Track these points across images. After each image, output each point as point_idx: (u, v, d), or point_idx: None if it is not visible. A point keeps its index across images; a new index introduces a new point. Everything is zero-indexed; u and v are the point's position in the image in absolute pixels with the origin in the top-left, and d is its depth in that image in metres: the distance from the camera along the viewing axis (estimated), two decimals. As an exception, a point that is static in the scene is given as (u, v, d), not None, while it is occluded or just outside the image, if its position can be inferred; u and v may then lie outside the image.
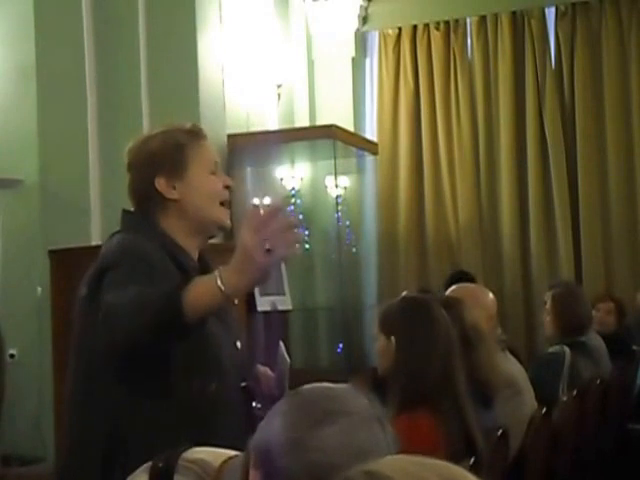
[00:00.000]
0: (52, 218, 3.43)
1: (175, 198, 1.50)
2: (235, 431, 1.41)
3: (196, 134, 1.54)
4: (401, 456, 0.62)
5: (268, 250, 1.23)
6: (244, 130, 3.79)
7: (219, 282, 1.26)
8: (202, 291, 1.28)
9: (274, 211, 1.26)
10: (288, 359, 1.65)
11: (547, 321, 2.94)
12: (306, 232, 4.17)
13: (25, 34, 3.51)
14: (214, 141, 1.62)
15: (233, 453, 1.00)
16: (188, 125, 1.55)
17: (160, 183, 1.49)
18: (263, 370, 1.62)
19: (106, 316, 1.32)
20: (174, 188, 1.50)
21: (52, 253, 3.30)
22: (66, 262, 3.15)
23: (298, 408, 0.83)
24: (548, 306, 2.95)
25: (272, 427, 0.83)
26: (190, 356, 1.39)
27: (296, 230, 1.27)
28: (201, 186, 1.51)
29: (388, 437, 0.82)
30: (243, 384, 1.57)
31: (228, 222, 1.54)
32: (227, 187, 1.54)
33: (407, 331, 1.68)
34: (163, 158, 1.49)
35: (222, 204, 1.54)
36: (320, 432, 0.80)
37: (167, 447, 1.17)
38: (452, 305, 1.90)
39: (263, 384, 1.59)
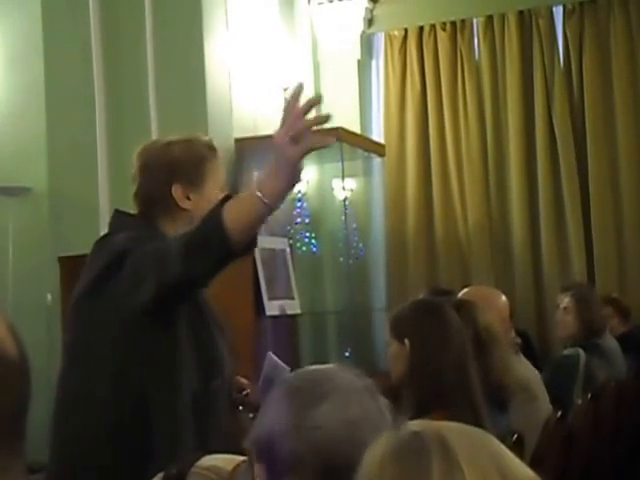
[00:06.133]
0: (61, 225, 3.43)
1: (187, 208, 1.49)
2: (219, 432, 1.44)
3: (214, 150, 1.54)
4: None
5: (292, 140, 1.19)
6: (251, 134, 3.78)
7: (257, 193, 1.23)
8: (242, 204, 1.26)
9: (293, 100, 1.21)
10: (286, 367, 1.65)
11: (567, 321, 2.92)
12: (313, 236, 4.16)
13: (34, 42, 3.53)
14: (221, 145, 1.63)
15: (244, 458, 1.01)
16: (206, 138, 1.55)
17: (177, 191, 1.49)
18: (244, 381, 1.64)
19: (155, 260, 1.30)
20: (188, 198, 1.49)
21: (62, 260, 3.29)
22: (76, 269, 3.11)
23: (290, 395, 0.86)
24: (569, 306, 2.92)
25: (269, 417, 0.86)
26: (197, 353, 1.41)
27: (318, 115, 1.21)
28: (213, 202, 1.47)
29: (380, 405, 0.86)
30: (243, 393, 1.59)
31: None
32: None
33: (420, 333, 1.67)
34: (185, 167, 1.49)
35: None
36: (316, 412, 0.83)
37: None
38: (465, 307, 1.88)
39: (250, 394, 1.61)
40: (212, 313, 1.53)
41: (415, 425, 0.67)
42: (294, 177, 1.24)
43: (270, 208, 1.25)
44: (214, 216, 1.26)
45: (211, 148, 1.53)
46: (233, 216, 1.25)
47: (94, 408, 1.42)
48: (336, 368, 0.90)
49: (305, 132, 1.20)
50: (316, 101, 1.22)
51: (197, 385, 1.41)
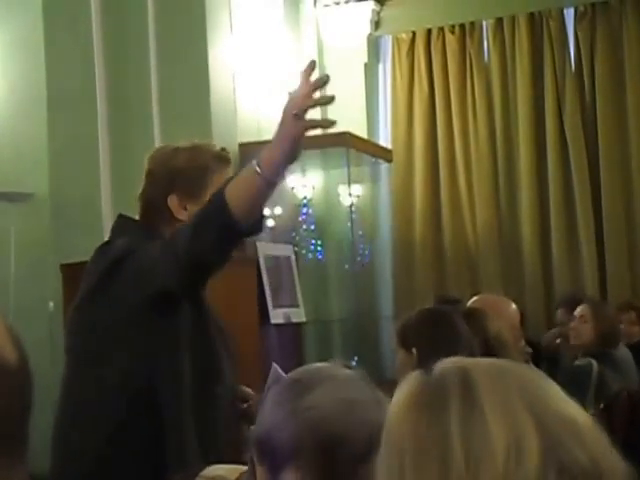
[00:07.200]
0: (63, 232, 3.39)
1: (183, 219, 1.46)
2: (221, 443, 1.44)
3: (223, 160, 1.51)
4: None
5: (296, 115, 1.23)
6: (255, 139, 3.74)
7: (256, 166, 1.26)
8: (242, 180, 1.28)
9: (305, 78, 1.24)
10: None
11: (583, 330, 2.88)
12: (319, 242, 4.11)
13: (35, 47, 3.50)
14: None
15: (247, 468, 0.99)
16: (215, 148, 1.52)
17: (173, 200, 1.47)
18: (247, 391, 1.61)
19: (168, 244, 1.34)
20: (185, 209, 1.47)
21: (64, 267, 3.24)
22: (78, 276, 3.06)
23: (284, 388, 0.88)
24: (585, 314, 2.90)
25: (266, 414, 0.86)
26: (201, 362, 1.42)
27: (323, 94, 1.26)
28: None
29: (377, 395, 0.85)
30: (245, 405, 1.56)
31: None
32: None
33: (428, 341, 1.64)
34: (185, 177, 1.47)
35: None
36: (311, 395, 0.84)
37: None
38: (474, 315, 1.85)
39: (253, 405, 1.57)
40: (215, 319, 1.52)
41: (444, 363, 0.63)
42: (293, 152, 1.26)
43: (267, 181, 1.26)
44: (217, 195, 1.28)
45: (219, 158, 1.50)
46: (234, 192, 1.27)
47: (103, 408, 1.42)
48: (333, 364, 0.91)
49: (304, 106, 1.23)
50: (324, 81, 1.26)
51: (195, 387, 1.41)
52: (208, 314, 1.49)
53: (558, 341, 3.47)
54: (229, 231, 1.27)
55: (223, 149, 1.53)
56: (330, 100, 1.25)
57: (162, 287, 1.35)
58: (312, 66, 1.25)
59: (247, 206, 1.27)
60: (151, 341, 1.40)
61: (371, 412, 0.78)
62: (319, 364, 0.93)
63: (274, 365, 1.64)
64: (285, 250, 3.77)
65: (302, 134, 1.24)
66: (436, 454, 0.56)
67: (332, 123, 1.29)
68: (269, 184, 1.26)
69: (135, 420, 1.40)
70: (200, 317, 1.46)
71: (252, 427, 1.53)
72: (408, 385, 0.62)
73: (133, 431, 1.39)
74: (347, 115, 4.32)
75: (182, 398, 1.40)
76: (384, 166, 4.29)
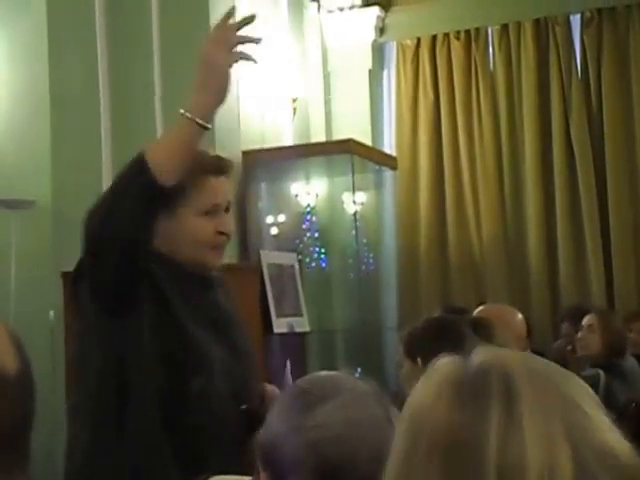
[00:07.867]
0: (65, 240, 3.36)
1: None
2: (222, 445, 1.36)
3: (207, 170, 1.43)
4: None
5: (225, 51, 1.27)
6: (259, 146, 3.71)
7: (185, 114, 1.25)
8: (168, 134, 1.28)
9: (226, 18, 1.27)
10: (290, 380, 1.58)
11: (590, 340, 2.85)
12: (323, 251, 4.07)
13: (38, 55, 3.48)
14: (228, 158, 1.52)
15: (250, 478, 0.99)
16: (205, 157, 1.45)
17: None
18: (270, 389, 1.54)
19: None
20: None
21: (65, 275, 3.21)
22: (78, 284, 3.07)
23: (292, 398, 0.87)
24: (593, 324, 2.89)
25: (272, 423, 0.86)
26: (176, 358, 1.36)
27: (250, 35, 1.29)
28: (184, 228, 1.42)
29: (388, 412, 0.83)
30: (244, 407, 1.48)
31: (216, 263, 1.45)
32: (222, 233, 1.44)
33: (434, 351, 1.59)
34: None
35: (215, 247, 1.44)
36: (315, 412, 0.84)
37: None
38: (481, 325, 1.82)
39: (267, 404, 1.50)
40: (215, 312, 1.47)
41: (483, 354, 0.58)
42: (222, 87, 1.27)
43: (200, 125, 1.25)
44: (138, 156, 1.27)
45: (202, 169, 1.42)
46: (158, 149, 1.26)
47: (90, 408, 1.41)
48: (344, 374, 0.91)
49: (233, 42, 1.27)
50: (250, 19, 1.29)
51: (165, 383, 1.36)
52: (175, 307, 1.41)
53: (569, 348, 3.43)
54: (147, 185, 1.24)
55: (213, 157, 1.46)
56: (251, 20, 1.28)
57: (92, 283, 1.34)
58: (232, 11, 1.28)
59: (178, 155, 1.25)
60: (115, 340, 1.37)
61: (380, 431, 0.75)
62: (330, 373, 0.92)
63: (287, 365, 1.60)
64: (289, 258, 3.74)
65: (228, 70, 1.26)
66: (469, 457, 0.53)
67: (255, 61, 1.30)
68: (201, 128, 1.25)
69: (117, 418, 1.38)
70: (167, 310, 1.39)
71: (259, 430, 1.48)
72: (445, 369, 0.58)
73: (119, 430, 1.37)
74: (351, 122, 4.30)
75: (149, 396, 1.36)
76: (389, 173, 4.25)
